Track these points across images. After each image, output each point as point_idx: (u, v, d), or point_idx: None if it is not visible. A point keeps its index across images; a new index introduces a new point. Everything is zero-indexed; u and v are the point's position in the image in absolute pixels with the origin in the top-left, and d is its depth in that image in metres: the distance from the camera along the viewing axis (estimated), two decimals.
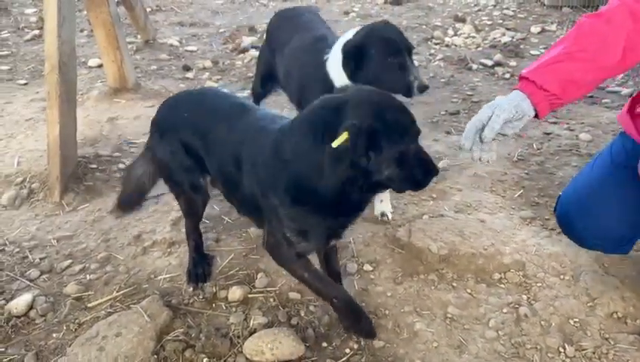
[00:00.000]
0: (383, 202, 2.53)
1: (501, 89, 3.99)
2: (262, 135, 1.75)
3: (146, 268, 2.21)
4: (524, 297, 2.01)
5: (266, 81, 3.06)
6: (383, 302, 2.03)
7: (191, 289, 2.07)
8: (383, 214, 2.51)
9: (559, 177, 2.75)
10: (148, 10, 5.95)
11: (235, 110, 1.93)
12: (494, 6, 6.08)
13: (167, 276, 2.15)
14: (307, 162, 1.58)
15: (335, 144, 1.43)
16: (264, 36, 3.11)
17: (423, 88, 2.18)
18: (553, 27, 5.29)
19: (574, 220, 2.03)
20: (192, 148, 1.96)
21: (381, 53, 2.15)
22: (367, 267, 2.19)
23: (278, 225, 1.73)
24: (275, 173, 1.67)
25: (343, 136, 1.43)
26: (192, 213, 2.13)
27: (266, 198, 1.71)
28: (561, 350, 1.79)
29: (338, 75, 2.23)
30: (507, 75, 4.19)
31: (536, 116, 1.73)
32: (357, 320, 1.84)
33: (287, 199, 1.66)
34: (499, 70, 4.30)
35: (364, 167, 1.50)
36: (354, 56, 2.16)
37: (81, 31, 5.42)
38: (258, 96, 3.20)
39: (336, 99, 1.59)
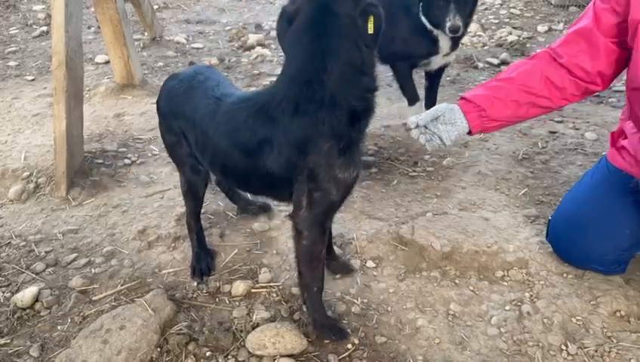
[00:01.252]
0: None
1: None
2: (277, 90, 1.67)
3: (150, 262, 2.22)
4: (527, 295, 2.01)
5: None
6: (386, 298, 2.03)
7: (195, 283, 2.09)
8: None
9: (564, 176, 2.75)
10: (155, 7, 5.97)
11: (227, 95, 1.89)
12: (501, 5, 6.06)
13: (172, 270, 2.16)
14: (349, 65, 1.57)
15: (371, 30, 1.55)
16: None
17: (453, 28, 2.67)
18: (560, 26, 5.26)
19: (567, 246, 2.09)
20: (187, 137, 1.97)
21: None
22: (370, 264, 2.20)
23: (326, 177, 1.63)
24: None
25: (371, 21, 1.54)
26: (192, 195, 2.13)
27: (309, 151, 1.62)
28: (564, 348, 1.79)
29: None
30: None
31: (470, 133, 2.00)
32: (327, 318, 1.86)
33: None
34: (505, 69, 4.28)
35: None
36: None
37: (89, 27, 5.44)
38: None
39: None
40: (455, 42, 2.91)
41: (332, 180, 1.65)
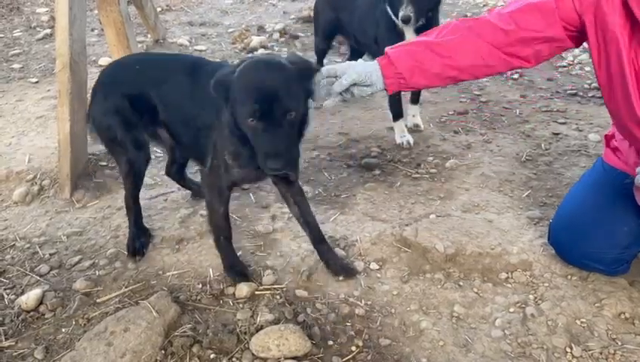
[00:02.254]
0: (415, 116, 3.35)
1: (509, 89, 3.98)
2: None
3: (154, 264, 2.23)
4: (531, 297, 2.01)
5: (329, 37, 3.74)
6: (389, 300, 2.03)
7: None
8: (416, 125, 3.31)
9: (567, 178, 2.74)
10: (158, 9, 5.99)
11: (187, 62, 2.20)
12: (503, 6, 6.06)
13: (176, 272, 2.17)
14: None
15: None
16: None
17: (404, 18, 2.80)
18: None
19: (568, 247, 2.09)
20: (143, 100, 2.15)
21: None
22: (374, 266, 2.20)
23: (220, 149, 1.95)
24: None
25: None
26: (134, 174, 2.25)
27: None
28: (568, 350, 1.78)
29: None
30: (516, 76, 4.17)
31: (386, 90, 1.93)
32: (232, 263, 2.11)
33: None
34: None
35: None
36: None
37: (92, 30, 5.46)
38: (322, 52, 3.87)
39: None
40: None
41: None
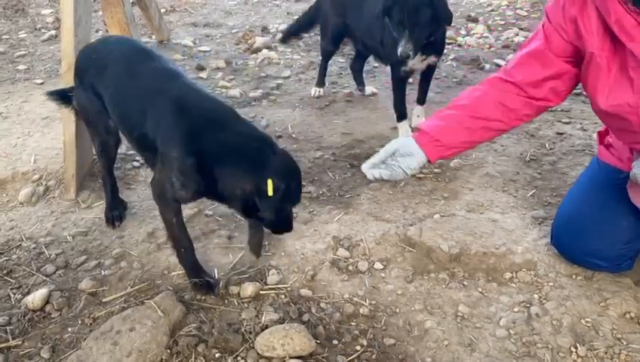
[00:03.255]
0: (420, 117, 3.33)
1: None
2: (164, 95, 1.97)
3: (159, 264, 2.24)
4: (536, 296, 2.01)
5: (337, 40, 3.74)
6: (394, 300, 2.03)
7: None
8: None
9: (572, 177, 2.74)
10: (162, 10, 6.00)
11: (137, 54, 2.21)
12: (507, 6, 6.05)
13: (181, 272, 2.17)
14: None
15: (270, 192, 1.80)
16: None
17: (403, 55, 2.80)
18: None
19: (570, 246, 2.10)
20: (97, 90, 2.21)
21: (395, 17, 2.82)
22: (378, 265, 2.20)
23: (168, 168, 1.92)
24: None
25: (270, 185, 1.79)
26: (106, 155, 2.43)
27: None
28: (573, 350, 1.78)
29: None
30: None
31: (429, 161, 2.04)
32: (197, 275, 2.06)
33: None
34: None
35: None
36: (384, 13, 2.90)
37: (97, 31, 5.48)
38: (329, 54, 3.89)
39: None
40: (425, 50, 3.00)
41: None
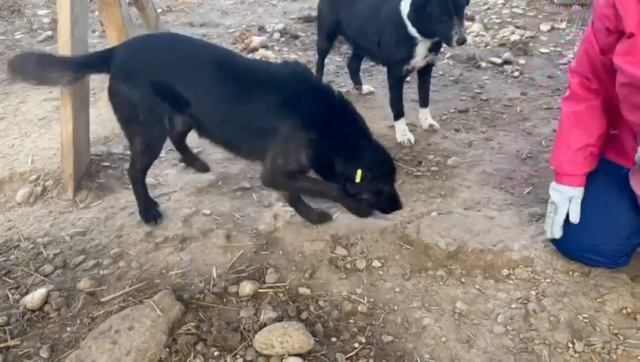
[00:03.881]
0: (427, 118, 3.40)
1: (510, 87, 3.99)
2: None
3: (157, 263, 2.24)
4: (533, 293, 2.02)
5: (331, 37, 3.76)
6: (392, 297, 2.04)
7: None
8: (431, 126, 3.35)
9: None
10: (159, 10, 5.99)
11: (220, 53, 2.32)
12: (503, 4, 6.06)
13: (179, 271, 2.18)
14: None
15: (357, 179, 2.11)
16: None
17: (461, 41, 2.87)
18: (563, 25, 5.26)
19: (568, 243, 2.11)
20: (168, 90, 2.19)
21: (436, 10, 2.85)
22: (376, 263, 2.21)
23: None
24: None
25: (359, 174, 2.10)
26: (150, 153, 2.39)
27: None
28: (570, 345, 1.79)
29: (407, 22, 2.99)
30: (516, 73, 4.18)
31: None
32: (357, 206, 2.25)
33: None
34: (508, 68, 4.30)
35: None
36: (416, 12, 2.92)
37: (93, 32, 5.48)
38: (324, 52, 3.91)
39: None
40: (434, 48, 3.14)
41: None
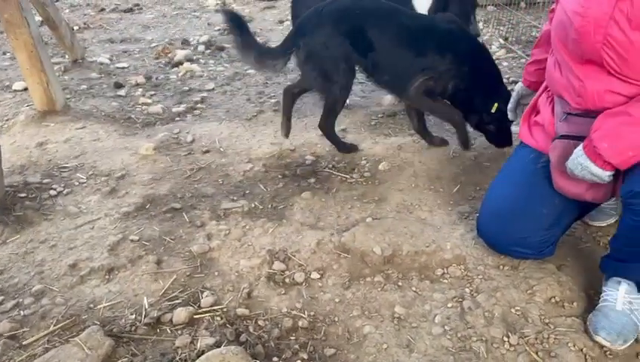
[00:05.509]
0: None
1: None
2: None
3: (84, 297, 2.11)
4: (467, 290, 2.06)
5: None
6: (332, 308, 2.03)
7: (133, 316, 2.02)
8: None
9: (493, 170, 2.84)
10: (75, 28, 5.75)
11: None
12: None
13: (107, 304, 2.06)
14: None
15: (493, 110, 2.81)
16: None
17: (477, 34, 3.31)
18: (480, 25, 5.48)
19: (496, 238, 2.17)
20: (358, 38, 2.80)
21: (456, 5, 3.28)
22: (315, 275, 2.19)
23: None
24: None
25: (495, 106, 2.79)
26: (346, 93, 2.99)
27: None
28: (505, 339, 1.84)
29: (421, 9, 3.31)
30: None
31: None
32: (466, 135, 2.95)
33: None
34: None
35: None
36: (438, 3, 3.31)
37: (4, 53, 5.16)
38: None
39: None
40: None
41: None
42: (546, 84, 2.14)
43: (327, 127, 3.06)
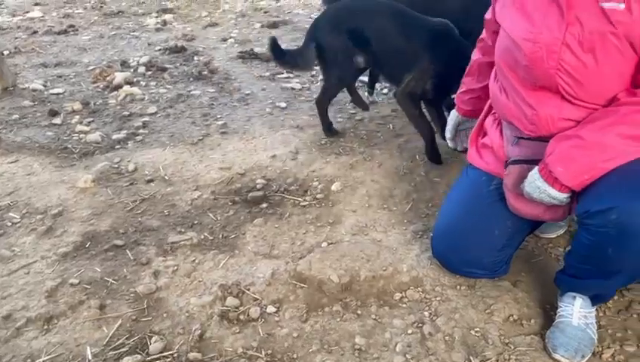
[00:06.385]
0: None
1: (382, 103, 4.10)
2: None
3: (20, 352, 1.93)
4: (426, 314, 2.03)
5: None
6: (291, 344, 1.94)
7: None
8: None
9: (443, 185, 2.85)
10: (5, 53, 5.44)
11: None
12: None
13: (47, 357, 1.89)
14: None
15: None
16: None
17: None
18: None
19: (449, 259, 2.17)
20: (358, 34, 3.14)
21: None
22: (271, 309, 2.10)
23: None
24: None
25: None
26: (341, 83, 3.54)
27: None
28: None
29: None
30: (385, 90, 4.31)
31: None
32: (433, 151, 3.12)
33: None
34: (378, 86, 4.42)
35: None
36: None
37: None
38: None
39: None
40: None
41: None
42: (490, 106, 2.15)
43: (320, 102, 3.52)
